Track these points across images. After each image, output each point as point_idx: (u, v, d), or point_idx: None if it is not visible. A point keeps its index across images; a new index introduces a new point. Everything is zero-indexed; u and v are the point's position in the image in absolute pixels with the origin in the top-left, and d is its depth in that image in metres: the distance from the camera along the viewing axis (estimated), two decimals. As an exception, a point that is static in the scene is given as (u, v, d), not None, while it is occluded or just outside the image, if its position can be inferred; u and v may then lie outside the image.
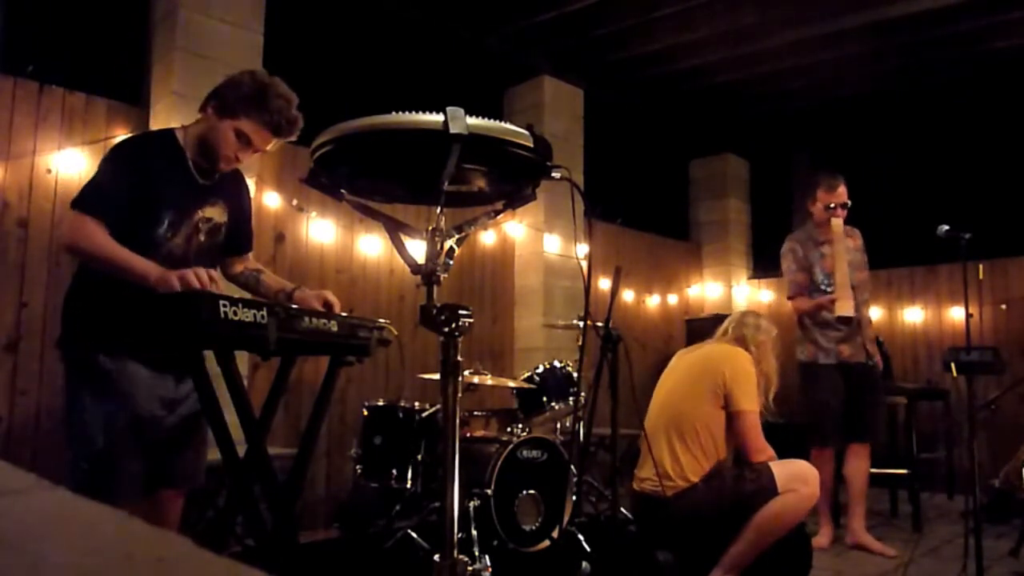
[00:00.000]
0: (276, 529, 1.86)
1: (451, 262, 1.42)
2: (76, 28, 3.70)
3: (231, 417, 1.74)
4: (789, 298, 3.96)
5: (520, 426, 3.41)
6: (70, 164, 3.42)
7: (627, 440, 4.24)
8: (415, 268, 1.40)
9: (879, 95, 5.97)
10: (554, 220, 5.45)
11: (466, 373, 3.37)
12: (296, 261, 4.21)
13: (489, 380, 3.49)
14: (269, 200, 4.06)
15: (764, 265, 7.18)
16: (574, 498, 3.23)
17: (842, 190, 3.81)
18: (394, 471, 3.20)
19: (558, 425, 3.98)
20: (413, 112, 1.28)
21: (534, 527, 3.15)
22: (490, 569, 2.84)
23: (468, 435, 3.48)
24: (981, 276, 5.20)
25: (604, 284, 5.63)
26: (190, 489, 2.28)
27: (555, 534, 3.16)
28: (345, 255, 4.46)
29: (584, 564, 2.99)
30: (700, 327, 6.11)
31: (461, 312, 1.36)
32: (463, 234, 1.46)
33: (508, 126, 1.34)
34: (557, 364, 3.73)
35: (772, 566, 2.71)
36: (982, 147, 5.96)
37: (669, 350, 6.31)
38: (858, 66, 5.47)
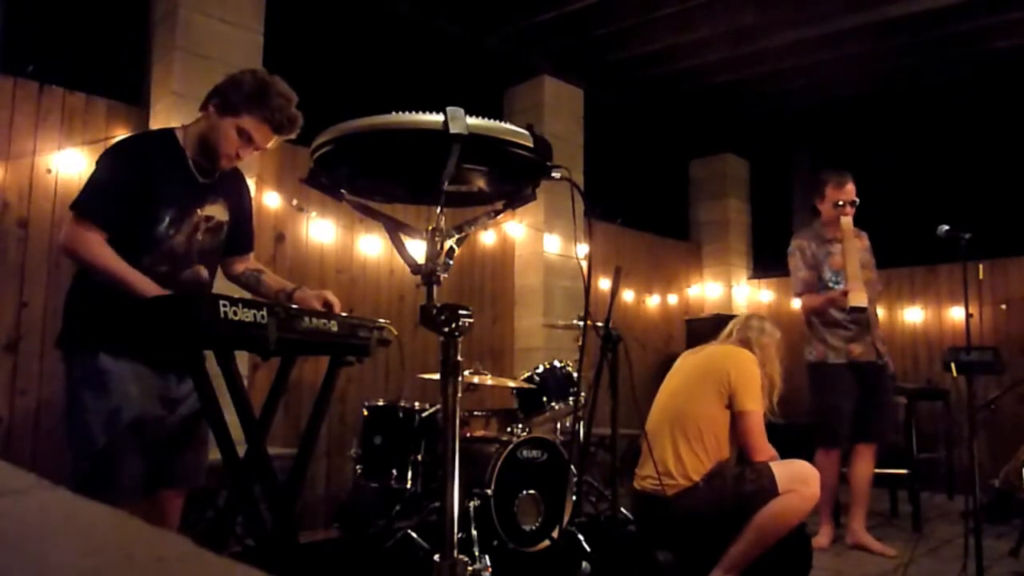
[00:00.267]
0: (276, 529, 1.86)
1: (451, 262, 1.42)
2: (76, 28, 3.69)
3: (231, 417, 1.74)
4: (797, 295, 3.92)
5: (520, 426, 3.41)
6: (70, 164, 3.42)
7: (627, 440, 4.24)
8: (415, 268, 1.40)
9: (879, 95, 5.97)
10: (554, 220, 5.45)
11: (466, 373, 3.37)
12: (296, 261, 4.21)
13: (489, 380, 3.49)
14: (269, 200, 4.06)
15: (764, 265, 7.18)
16: (574, 498, 3.24)
17: (850, 187, 3.79)
18: (394, 471, 3.20)
19: (558, 425, 3.97)
20: (413, 112, 1.28)
21: (534, 527, 3.15)
22: (490, 569, 2.84)
23: (468, 435, 3.48)
24: (981, 276, 5.20)
25: (604, 284, 5.63)
26: (190, 489, 2.28)
27: (555, 534, 3.16)
28: (345, 255, 4.46)
29: (584, 564, 2.99)
30: (700, 327, 6.12)
31: (461, 312, 1.36)
32: (463, 234, 1.46)
33: (508, 126, 1.34)
34: (557, 364, 3.72)
35: (772, 566, 2.71)
36: (982, 147, 5.96)
37: (669, 350, 6.34)
38: (858, 66, 5.47)
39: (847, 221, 3.75)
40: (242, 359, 3.52)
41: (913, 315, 5.95)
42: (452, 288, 4.93)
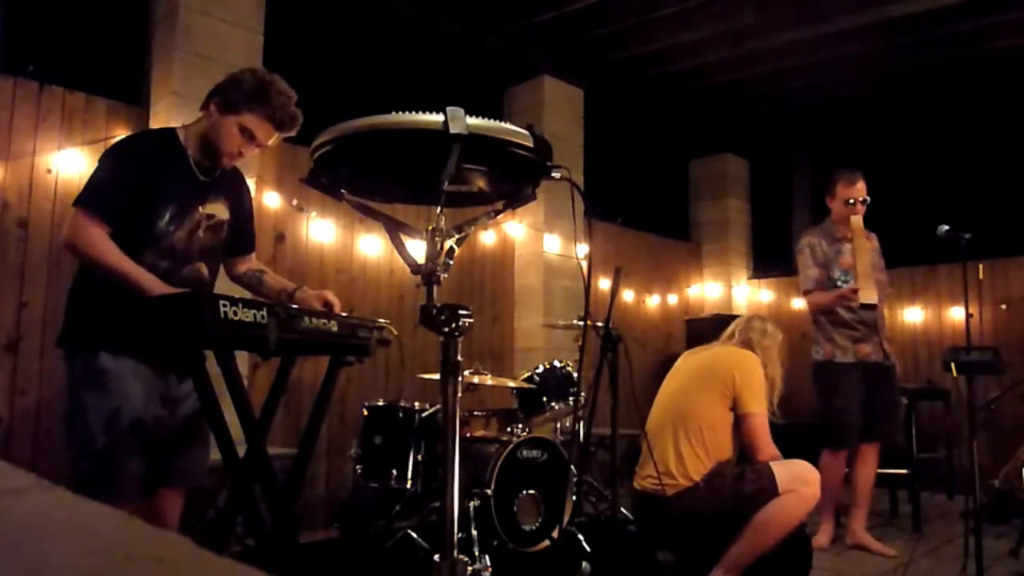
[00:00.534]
0: (276, 529, 1.86)
1: (451, 262, 1.42)
2: (76, 28, 3.70)
3: (231, 417, 1.74)
4: (805, 292, 3.88)
5: (520, 426, 3.41)
6: (70, 164, 3.42)
7: (627, 440, 4.24)
8: (415, 268, 1.40)
9: (879, 95, 5.97)
10: (554, 220, 5.45)
11: (466, 373, 3.37)
12: (296, 261, 4.21)
13: (489, 380, 3.49)
14: (269, 200, 4.06)
15: (764, 265, 7.18)
16: (574, 498, 3.23)
17: (861, 185, 3.76)
18: (394, 471, 3.20)
19: (558, 425, 3.97)
20: (413, 112, 1.28)
21: (534, 527, 3.15)
22: (490, 569, 2.84)
23: (468, 435, 3.48)
24: (981, 276, 5.20)
25: (604, 284, 5.63)
26: (190, 489, 2.28)
27: (555, 534, 3.16)
28: (345, 255, 4.47)
29: (584, 564, 2.99)
30: (700, 327, 6.12)
31: (461, 312, 1.36)
32: (463, 234, 1.46)
33: (508, 126, 1.34)
34: (557, 364, 3.72)
35: (772, 566, 2.71)
36: (982, 147, 5.96)
37: (669, 350, 6.34)
38: (858, 66, 5.47)
39: (857, 219, 3.73)
40: (242, 359, 3.52)
41: (913, 315, 5.95)
42: (452, 288, 4.93)
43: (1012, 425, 5.06)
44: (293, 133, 2.19)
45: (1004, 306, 5.52)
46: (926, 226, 3.25)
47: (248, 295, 2.31)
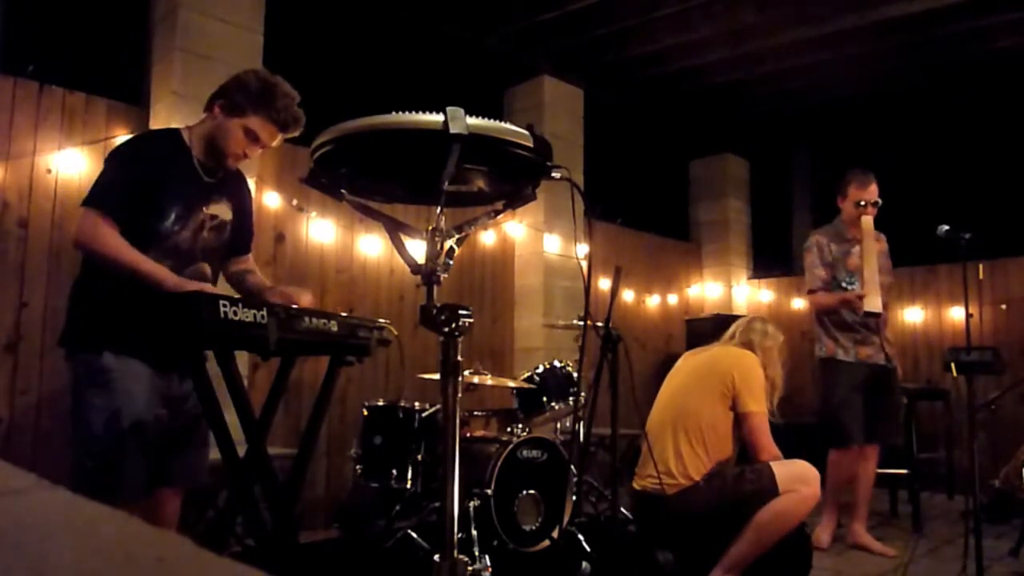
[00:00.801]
0: (276, 529, 1.86)
1: (451, 262, 1.42)
2: (76, 28, 3.70)
3: (231, 417, 1.74)
4: (810, 291, 3.86)
5: (520, 426, 3.41)
6: (70, 164, 3.42)
7: (627, 440, 4.24)
8: (415, 268, 1.40)
9: (879, 95, 5.97)
10: (554, 220, 5.45)
11: (466, 373, 3.37)
12: (296, 261, 4.21)
13: (489, 380, 3.49)
14: (269, 200, 4.06)
15: (764, 265, 7.18)
16: (574, 498, 3.23)
17: (874, 188, 3.73)
18: (394, 471, 3.20)
19: (558, 425, 3.97)
20: (413, 112, 1.28)
21: (534, 527, 3.15)
22: (490, 569, 2.84)
23: (468, 435, 3.48)
24: (981, 276, 5.20)
25: (604, 284, 5.63)
26: (189, 488, 2.29)
27: (555, 534, 3.16)
28: (345, 255, 4.46)
29: (584, 564, 2.99)
30: (700, 327, 6.12)
31: (461, 312, 1.35)
32: (463, 234, 1.46)
33: (508, 126, 1.34)
34: (557, 364, 3.72)
35: (772, 566, 2.71)
36: (982, 147, 5.96)
37: (669, 350, 6.34)
38: (858, 66, 5.47)
39: (868, 221, 3.70)
40: (242, 359, 3.52)
41: (913, 315, 5.95)
42: (452, 288, 4.93)
43: (1012, 425, 5.05)
44: (297, 134, 2.21)
45: (1004, 306, 5.52)
46: (926, 226, 3.25)
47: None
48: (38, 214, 3.35)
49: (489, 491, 3.00)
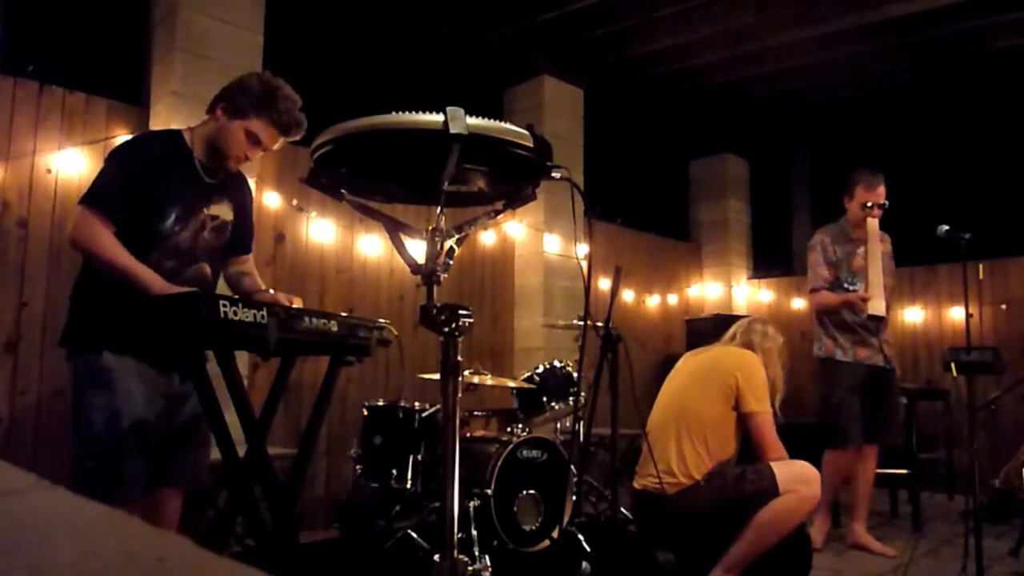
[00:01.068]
0: (276, 529, 1.86)
1: (451, 262, 1.42)
2: (76, 28, 3.70)
3: (231, 417, 1.74)
4: (812, 291, 3.84)
5: (520, 426, 3.41)
6: (70, 164, 3.42)
7: (627, 440, 4.24)
8: (415, 268, 1.40)
9: (879, 95, 5.97)
10: (554, 220, 5.45)
11: (466, 373, 3.37)
12: (296, 261, 4.21)
13: (489, 380, 3.49)
14: (269, 200, 4.06)
15: (764, 265, 7.18)
16: (574, 498, 3.23)
17: (881, 190, 3.71)
18: (394, 471, 3.20)
19: (558, 425, 3.97)
20: (413, 112, 1.28)
21: (534, 527, 3.15)
22: (490, 569, 2.84)
23: (468, 435, 3.48)
24: (981, 276, 5.20)
25: (604, 284, 5.63)
26: (189, 488, 2.29)
27: (555, 534, 3.16)
28: (345, 255, 4.46)
29: (584, 564, 2.99)
30: (700, 327, 6.11)
31: (461, 312, 1.35)
32: (463, 234, 1.46)
33: (508, 126, 1.34)
34: (557, 364, 3.72)
35: (772, 566, 2.71)
36: (982, 147, 5.96)
37: (669, 350, 6.34)
38: (858, 66, 5.47)
39: (874, 223, 3.68)
40: (242, 359, 3.52)
41: (913, 315, 5.95)
42: (452, 288, 4.93)
43: (1012, 425, 5.06)
44: (298, 137, 2.21)
45: (1004, 306, 5.52)
46: (926, 226, 3.25)
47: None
48: (38, 214, 3.35)
49: (489, 491, 3.00)
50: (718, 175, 7.15)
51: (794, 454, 2.82)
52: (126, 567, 0.40)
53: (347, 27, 4.62)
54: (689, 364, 3.06)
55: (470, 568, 2.64)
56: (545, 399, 3.63)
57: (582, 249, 4.29)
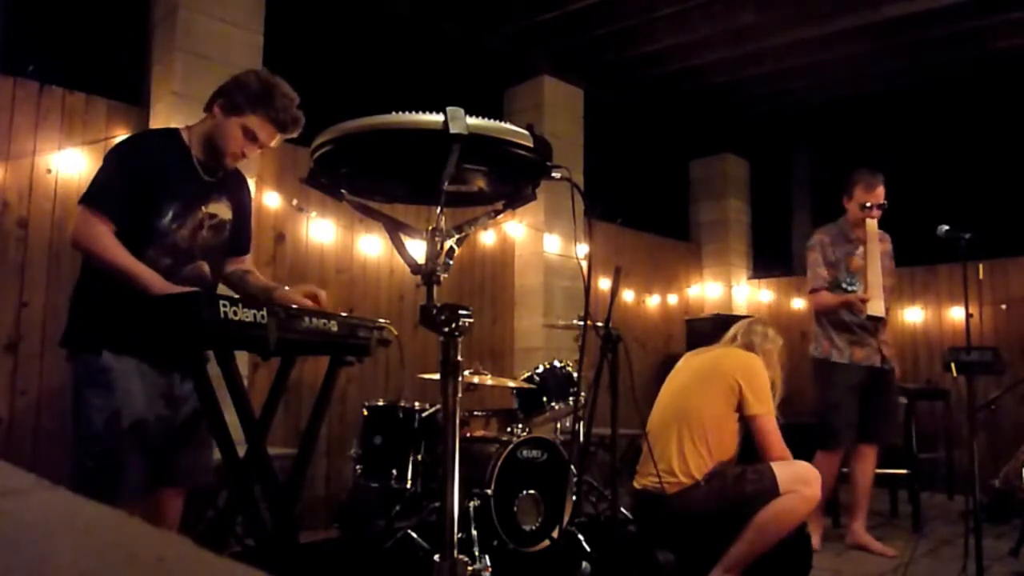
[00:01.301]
0: (276, 529, 1.86)
1: (451, 262, 1.42)
2: (76, 28, 3.70)
3: (231, 417, 1.74)
4: (811, 291, 3.84)
5: (520, 426, 3.41)
6: (70, 164, 3.42)
7: (627, 440, 4.24)
8: (415, 268, 1.40)
9: (879, 95, 5.97)
10: (554, 220, 5.45)
11: (466, 373, 3.37)
12: (296, 261, 4.21)
13: (489, 380, 3.49)
14: (269, 200, 4.06)
15: (764, 265, 7.18)
16: (574, 498, 3.23)
17: (880, 190, 3.71)
18: (394, 471, 3.20)
19: (558, 425, 3.97)
20: (413, 112, 1.28)
21: (534, 527, 3.15)
22: (490, 569, 2.84)
23: (468, 435, 3.48)
24: (981, 276, 5.20)
25: (604, 284, 5.63)
26: (192, 488, 2.29)
27: (555, 534, 3.16)
28: (345, 255, 4.46)
29: (584, 564, 2.99)
30: (700, 327, 6.12)
31: (461, 312, 1.35)
32: (463, 234, 1.46)
33: (508, 126, 1.34)
34: (557, 364, 3.72)
35: (772, 566, 2.71)
36: (982, 147, 5.96)
37: (669, 350, 6.34)
38: (858, 66, 5.47)
39: (872, 224, 3.69)
40: (242, 359, 3.52)
41: (913, 315, 5.95)
42: (452, 288, 4.93)
43: (1012, 425, 5.06)
44: (295, 135, 2.22)
45: (1004, 306, 5.52)
46: (926, 226, 3.25)
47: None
48: (38, 214, 3.35)
49: (489, 491, 3.00)
50: (718, 175, 7.15)
51: (793, 454, 2.83)
52: (126, 567, 0.40)
53: (347, 27, 4.62)
54: (690, 364, 3.06)
55: (470, 568, 2.64)
56: (545, 399, 3.63)
57: (582, 249, 4.29)
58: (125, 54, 3.84)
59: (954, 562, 3.18)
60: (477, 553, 2.87)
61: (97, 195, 2.03)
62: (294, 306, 2.02)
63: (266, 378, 3.34)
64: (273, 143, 2.22)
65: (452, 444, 1.37)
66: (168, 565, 0.41)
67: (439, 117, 1.27)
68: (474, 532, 2.92)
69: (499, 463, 3.07)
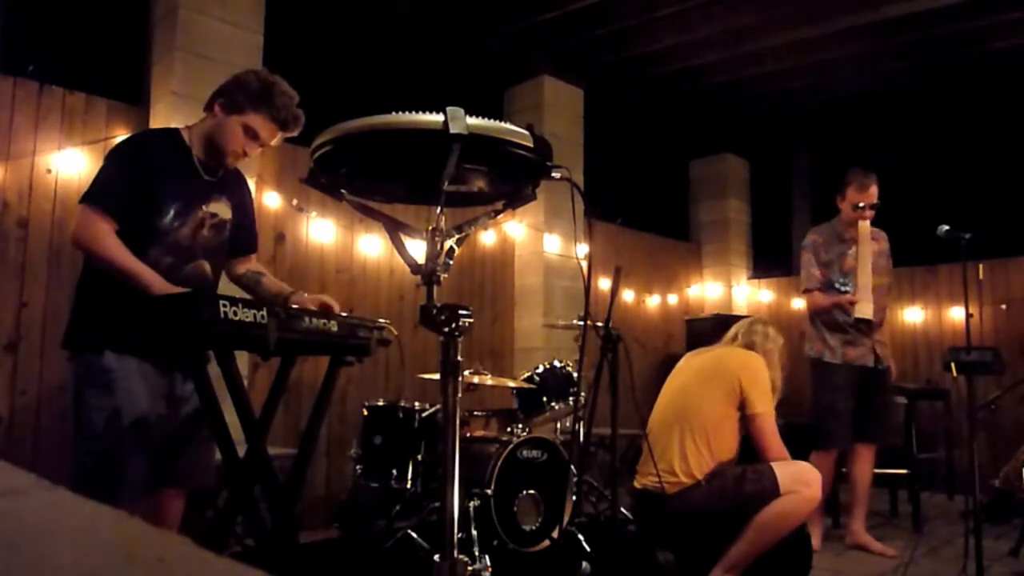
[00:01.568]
0: (276, 529, 1.86)
1: (451, 262, 1.42)
2: (76, 28, 3.70)
3: (231, 417, 1.74)
4: (805, 291, 3.86)
5: (520, 426, 3.41)
6: (70, 164, 3.42)
7: (627, 440, 4.24)
8: (415, 268, 1.40)
9: (879, 95, 5.97)
10: (554, 220, 5.45)
11: (466, 373, 3.37)
12: (296, 261, 4.22)
13: (489, 380, 3.49)
14: (269, 200, 4.06)
15: (764, 265, 7.18)
16: (574, 498, 3.23)
17: (873, 190, 3.71)
18: (394, 471, 3.20)
19: (558, 425, 3.97)
20: (413, 112, 1.28)
21: (534, 527, 3.15)
22: (490, 569, 2.84)
23: (468, 435, 3.48)
24: (981, 276, 5.20)
25: (604, 284, 5.63)
26: (192, 488, 2.29)
27: (555, 534, 3.16)
28: (345, 255, 4.46)
29: (584, 564, 2.99)
30: (700, 327, 6.12)
31: (461, 312, 1.35)
32: (463, 234, 1.46)
33: (508, 126, 1.34)
34: (557, 364, 3.72)
35: (772, 566, 2.71)
36: (982, 147, 5.96)
37: (669, 350, 6.34)
38: (858, 66, 5.47)
39: (864, 225, 3.69)
40: (242, 359, 3.52)
41: (913, 315, 5.95)
42: (452, 288, 4.93)
43: (1012, 425, 5.06)
44: (295, 133, 2.22)
45: (1004, 306, 5.52)
46: (926, 226, 3.25)
47: (248, 296, 2.32)
48: (38, 214, 3.35)
49: (489, 491, 3.00)
50: (718, 175, 7.15)
51: (792, 455, 2.83)
52: (126, 567, 0.40)
53: (347, 27, 4.62)
54: (691, 364, 3.06)
55: (470, 568, 2.65)
56: (545, 399, 3.63)
57: (582, 249, 4.29)
58: (125, 54, 3.84)
59: (954, 562, 3.18)
60: (477, 553, 2.87)
61: (98, 194, 2.03)
62: (294, 306, 2.03)
63: (266, 378, 3.34)
64: (274, 141, 2.23)
65: (452, 444, 1.37)
66: (168, 565, 0.41)
67: (439, 117, 1.27)
68: (474, 532, 2.92)
69: (499, 463, 3.07)
